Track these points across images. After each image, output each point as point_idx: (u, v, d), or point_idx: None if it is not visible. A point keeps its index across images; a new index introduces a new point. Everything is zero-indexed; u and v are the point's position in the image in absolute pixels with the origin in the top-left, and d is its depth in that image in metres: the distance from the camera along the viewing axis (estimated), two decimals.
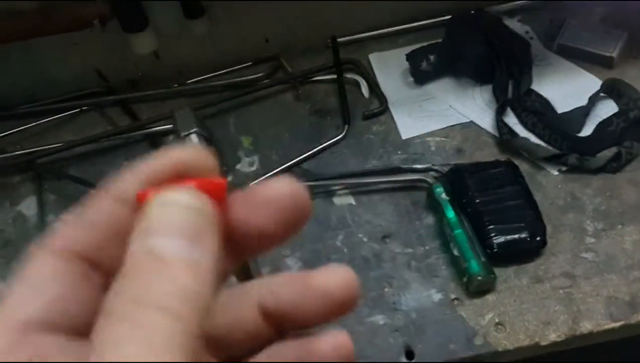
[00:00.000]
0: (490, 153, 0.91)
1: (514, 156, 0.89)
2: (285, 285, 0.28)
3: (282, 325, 0.28)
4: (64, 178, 0.97)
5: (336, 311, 0.27)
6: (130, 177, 0.26)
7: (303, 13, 1.03)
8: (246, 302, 0.28)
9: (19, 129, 1.02)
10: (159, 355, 0.21)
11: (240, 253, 0.28)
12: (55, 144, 0.99)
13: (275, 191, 0.27)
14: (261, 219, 0.27)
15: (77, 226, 0.26)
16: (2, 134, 1.02)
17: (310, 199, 0.28)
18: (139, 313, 0.22)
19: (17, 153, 0.99)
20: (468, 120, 0.95)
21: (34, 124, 1.03)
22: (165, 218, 0.24)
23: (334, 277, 0.27)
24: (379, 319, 0.78)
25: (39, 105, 1.05)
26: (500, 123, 0.91)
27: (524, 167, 0.88)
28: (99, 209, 0.26)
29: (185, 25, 1.00)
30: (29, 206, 0.96)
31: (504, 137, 0.90)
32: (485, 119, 0.94)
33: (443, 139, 0.94)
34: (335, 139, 0.96)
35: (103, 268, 0.26)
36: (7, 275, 0.89)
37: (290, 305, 0.27)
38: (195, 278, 0.23)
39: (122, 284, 0.23)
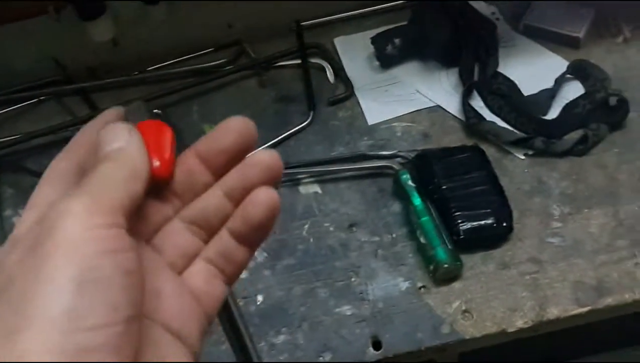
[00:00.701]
0: (457, 138, 0.90)
1: (481, 140, 0.89)
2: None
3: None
4: (21, 171, 0.94)
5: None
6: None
7: None
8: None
9: None
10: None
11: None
12: (13, 136, 0.96)
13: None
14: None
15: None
16: None
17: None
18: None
19: None
20: (434, 104, 0.93)
21: None
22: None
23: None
24: (346, 310, 0.77)
25: None
26: (466, 107, 0.90)
27: (490, 151, 0.87)
28: None
29: (144, 10, 0.97)
30: None
31: (471, 121, 0.89)
32: (452, 103, 0.93)
33: (409, 124, 0.92)
34: (301, 126, 0.94)
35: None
36: None
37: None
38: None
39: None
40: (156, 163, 0.39)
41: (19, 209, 0.91)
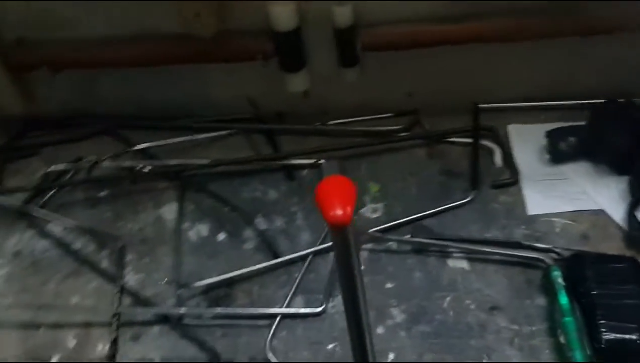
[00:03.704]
0: (616, 246, 0.89)
1: None
2: None
3: None
4: (204, 191, 1.05)
5: None
6: None
7: (449, 74, 1.06)
8: None
9: (172, 140, 1.12)
10: None
11: None
12: (202, 159, 1.08)
13: None
14: None
15: None
16: (157, 143, 1.12)
17: None
18: None
19: (167, 162, 1.09)
20: (599, 208, 0.93)
21: (187, 138, 1.13)
22: None
23: None
24: None
25: (194, 121, 1.16)
26: (632, 218, 0.89)
27: None
28: None
29: (338, 71, 1.06)
30: (169, 211, 1.05)
31: (634, 233, 0.88)
32: (617, 211, 0.92)
33: (570, 222, 0.93)
34: (461, 202, 0.98)
35: None
36: (140, 269, 0.98)
37: None
38: None
39: None
40: (339, 212, 0.48)
41: (195, 223, 1.02)
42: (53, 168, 1.13)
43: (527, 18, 0.99)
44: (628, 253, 0.88)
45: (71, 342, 0.91)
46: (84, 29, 1.06)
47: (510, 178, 0.99)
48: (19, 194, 1.10)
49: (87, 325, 0.92)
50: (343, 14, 0.97)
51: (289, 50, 1.02)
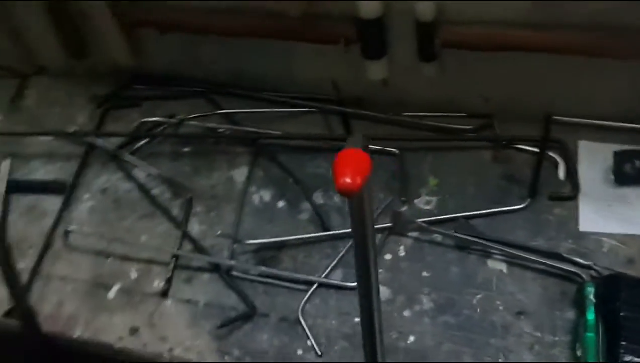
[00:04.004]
0: None
1: None
2: None
3: None
4: (273, 161, 1.13)
5: None
6: None
7: (527, 83, 1.07)
8: None
9: (255, 110, 1.20)
10: None
11: None
12: (277, 131, 1.15)
13: None
14: None
15: None
16: (241, 110, 1.21)
17: None
18: None
19: (247, 129, 1.17)
20: None
21: (268, 110, 1.20)
22: None
23: None
24: None
25: (278, 96, 1.23)
26: None
27: None
28: None
29: (417, 64, 1.09)
30: (240, 174, 1.13)
31: None
32: None
33: (619, 244, 0.92)
34: (515, 207, 0.99)
35: None
36: (205, 221, 1.06)
37: None
38: None
39: None
40: (348, 180, 0.54)
41: (260, 189, 1.10)
42: (147, 119, 1.24)
43: (613, 35, 0.98)
44: None
45: (133, 274, 1.01)
46: None
47: (570, 193, 0.99)
48: (114, 139, 1.22)
49: (150, 261, 1.02)
50: (425, 8, 1.00)
51: (371, 37, 1.07)
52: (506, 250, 0.93)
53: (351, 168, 0.57)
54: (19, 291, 0.93)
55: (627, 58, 0.99)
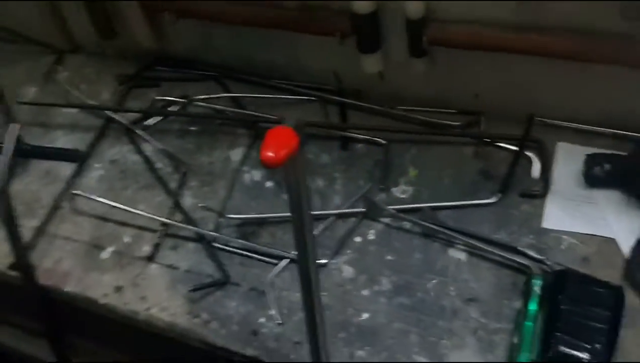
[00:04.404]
0: (613, 275, 0.90)
1: (633, 287, 0.87)
2: None
3: None
4: None
5: None
6: None
7: (514, 83, 1.10)
8: None
9: (258, 95, 1.27)
10: None
11: None
12: (274, 116, 1.22)
13: None
14: None
15: None
16: (246, 95, 1.28)
17: None
18: None
19: (247, 112, 1.25)
20: (612, 236, 0.94)
21: (272, 96, 1.27)
22: None
23: None
24: (421, 361, 0.85)
25: (285, 83, 1.29)
26: (635, 252, 0.89)
27: (633, 301, 0.86)
28: None
29: (408, 59, 1.14)
30: (237, 154, 1.20)
31: (631, 266, 0.88)
32: (628, 242, 0.92)
33: (577, 243, 0.95)
34: (484, 201, 1.03)
35: None
36: (198, 195, 1.14)
37: None
38: None
39: None
40: (271, 153, 0.60)
41: (252, 169, 1.17)
42: (160, 98, 1.33)
43: (597, 40, 1.00)
44: (621, 282, 0.88)
45: (127, 239, 1.10)
46: None
47: (540, 191, 1.02)
48: (130, 115, 1.31)
49: (142, 229, 1.11)
50: (414, 6, 1.04)
51: (365, 32, 1.12)
52: (468, 240, 0.97)
53: (277, 143, 0.63)
54: (21, 247, 1.03)
55: (610, 63, 1.01)
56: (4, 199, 0.97)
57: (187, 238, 1.08)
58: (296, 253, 1.00)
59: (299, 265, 0.75)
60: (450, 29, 1.06)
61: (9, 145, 0.98)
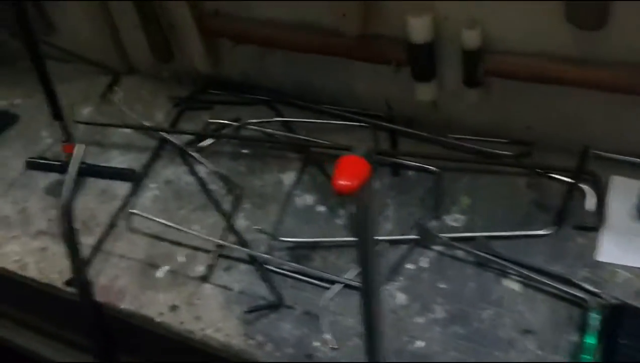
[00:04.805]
0: None
1: None
2: None
3: None
4: (320, 169, 1.21)
5: None
6: None
7: (569, 115, 1.10)
8: None
9: (310, 120, 1.29)
10: None
11: None
12: (327, 141, 1.24)
13: None
14: None
15: None
16: (298, 119, 1.31)
17: None
18: None
19: (299, 136, 1.27)
20: None
21: (323, 121, 1.29)
22: None
23: None
24: None
25: (336, 109, 1.32)
26: None
27: None
28: None
29: (462, 89, 1.15)
30: (288, 178, 1.22)
31: None
32: None
33: (634, 277, 0.94)
34: (539, 232, 1.03)
35: None
36: (250, 217, 1.16)
37: None
38: None
39: None
40: (345, 182, 0.61)
41: (305, 193, 1.18)
42: (213, 120, 1.36)
43: None
44: None
45: (181, 258, 1.12)
46: (263, 11, 1.27)
47: (595, 224, 1.02)
48: (184, 137, 1.34)
49: (196, 249, 1.13)
50: (471, 37, 1.06)
51: (420, 61, 1.13)
52: (522, 271, 0.97)
53: (350, 172, 0.64)
54: (79, 264, 1.06)
55: None
56: (67, 216, 1.00)
57: (240, 260, 1.10)
58: (349, 278, 1.03)
59: (361, 290, 0.75)
60: (508, 61, 1.08)
61: (75, 165, 1.01)
